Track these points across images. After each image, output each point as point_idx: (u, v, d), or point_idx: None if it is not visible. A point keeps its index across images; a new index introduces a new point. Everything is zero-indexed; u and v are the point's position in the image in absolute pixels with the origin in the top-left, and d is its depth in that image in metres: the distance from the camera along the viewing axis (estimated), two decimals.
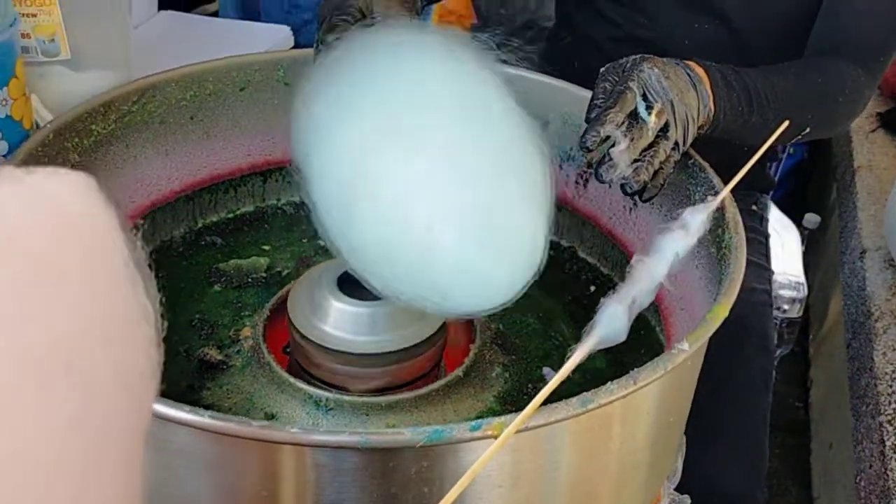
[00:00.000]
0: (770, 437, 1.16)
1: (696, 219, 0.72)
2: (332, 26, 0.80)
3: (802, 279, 1.49)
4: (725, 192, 0.79)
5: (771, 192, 1.34)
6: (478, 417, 0.77)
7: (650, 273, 0.65)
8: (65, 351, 0.33)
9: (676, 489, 0.95)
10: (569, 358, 0.59)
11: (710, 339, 1.07)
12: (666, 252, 0.68)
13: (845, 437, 1.37)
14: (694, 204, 0.78)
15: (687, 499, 0.88)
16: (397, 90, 0.69)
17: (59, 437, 0.32)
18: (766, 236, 1.27)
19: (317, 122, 0.72)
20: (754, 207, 1.26)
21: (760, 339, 1.16)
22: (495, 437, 0.54)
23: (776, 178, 2.12)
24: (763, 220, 1.28)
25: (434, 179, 0.66)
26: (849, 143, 1.74)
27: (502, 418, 0.55)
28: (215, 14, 1.74)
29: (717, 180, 0.83)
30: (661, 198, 0.90)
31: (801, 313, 1.52)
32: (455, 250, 0.66)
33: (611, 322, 0.62)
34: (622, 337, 0.63)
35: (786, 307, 1.49)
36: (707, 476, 1.06)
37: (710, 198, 0.77)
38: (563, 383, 0.85)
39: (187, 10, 1.45)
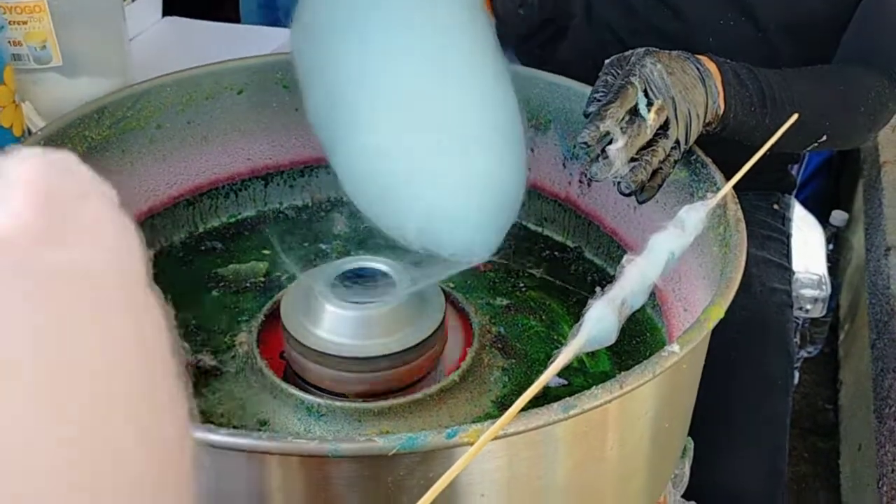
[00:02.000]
0: (799, 440, 1.14)
1: (693, 217, 0.69)
2: None
3: (826, 278, 1.45)
4: (726, 189, 0.76)
5: (794, 192, 1.31)
6: (474, 422, 0.75)
7: (641, 273, 0.63)
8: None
9: (687, 496, 0.92)
10: (552, 361, 0.57)
11: (728, 339, 1.05)
12: (659, 252, 0.66)
13: (873, 440, 1.33)
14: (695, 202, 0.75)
15: None
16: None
17: None
18: (788, 235, 1.23)
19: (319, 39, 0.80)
20: (776, 206, 1.22)
21: (780, 340, 1.12)
22: (471, 445, 0.52)
23: (803, 176, 2.07)
24: (785, 219, 1.24)
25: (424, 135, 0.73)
26: (875, 137, 1.69)
27: (479, 425, 0.53)
28: None
29: (719, 177, 0.81)
30: (665, 196, 0.88)
31: (823, 313, 1.48)
32: (432, 194, 0.73)
33: (598, 324, 0.59)
34: (612, 339, 0.61)
35: (808, 307, 1.45)
36: (723, 482, 1.03)
37: (710, 195, 0.75)
38: (566, 388, 0.84)
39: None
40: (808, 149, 0.95)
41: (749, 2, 1.05)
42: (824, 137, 0.92)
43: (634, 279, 0.63)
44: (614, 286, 0.63)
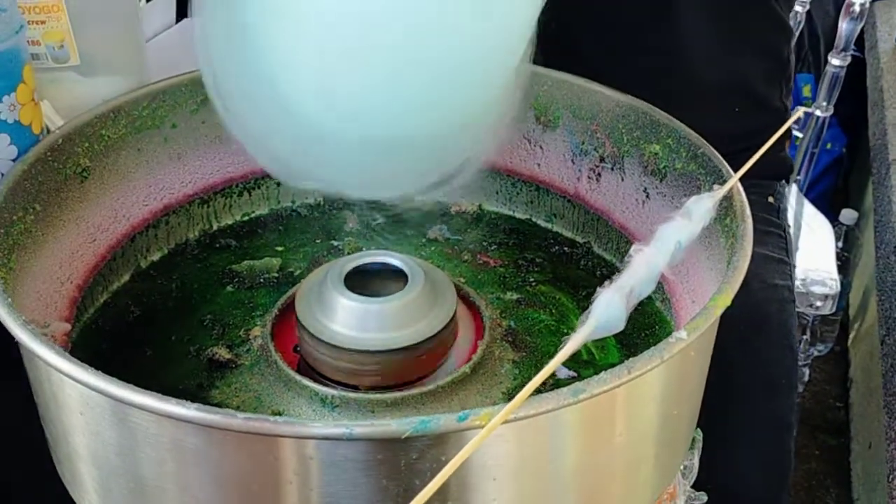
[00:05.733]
0: (810, 438, 1.14)
1: (700, 207, 0.70)
2: None
3: (835, 275, 1.46)
4: (733, 181, 0.77)
5: (795, 180, 1.31)
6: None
7: (648, 262, 0.64)
8: None
9: (697, 487, 0.93)
10: (562, 347, 0.58)
11: (731, 338, 1.05)
12: (667, 241, 0.67)
13: (883, 437, 1.33)
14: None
15: (703, 496, 0.86)
16: None
17: None
18: (785, 229, 1.23)
19: None
20: (770, 200, 1.22)
21: (783, 336, 1.13)
22: (482, 428, 0.53)
23: (813, 174, 2.08)
24: (780, 211, 1.24)
25: None
26: (884, 135, 1.69)
27: (490, 409, 0.54)
28: None
29: (725, 169, 0.82)
30: (673, 190, 0.89)
31: (833, 310, 1.48)
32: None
33: (607, 310, 0.60)
34: (620, 326, 0.62)
35: (818, 304, 1.45)
36: (727, 477, 1.04)
37: (716, 187, 0.76)
38: (576, 380, 0.85)
39: None
40: None
41: None
42: None
43: (642, 268, 0.64)
44: (622, 274, 0.64)
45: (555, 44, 1.06)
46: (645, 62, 1.11)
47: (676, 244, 0.67)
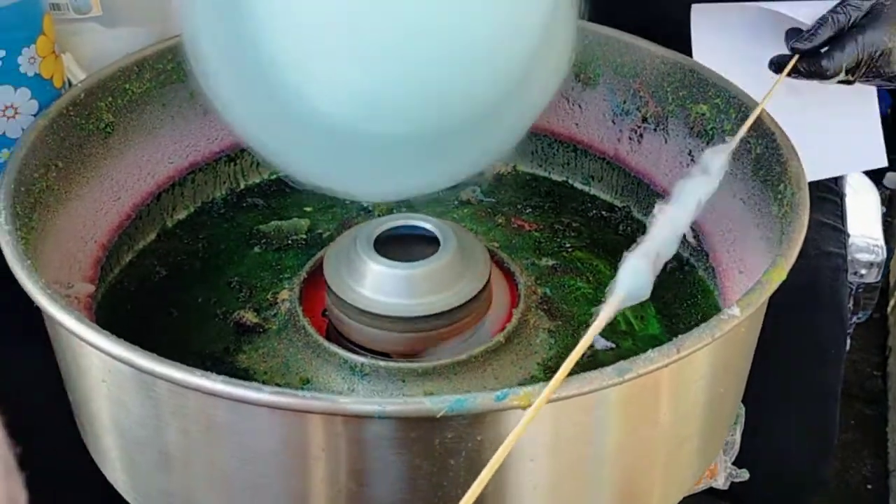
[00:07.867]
0: (846, 407, 1.10)
1: (717, 161, 0.67)
2: None
3: (881, 242, 1.40)
4: (751, 120, 0.73)
5: None
6: (519, 385, 0.74)
7: (671, 223, 0.61)
8: None
9: (737, 462, 0.90)
10: (593, 321, 0.55)
11: (780, 305, 1.02)
12: (688, 200, 0.64)
13: None
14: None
15: (745, 473, 0.83)
16: None
17: None
18: (842, 196, 1.19)
19: None
20: None
21: (834, 306, 1.09)
22: (522, 408, 0.50)
23: None
24: (839, 178, 1.20)
25: None
26: None
27: (530, 388, 0.51)
28: None
29: (780, 132, 0.77)
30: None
31: (878, 278, 1.43)
32: None
33: (635, 278, 0.57)
34: (647, 293, 0.59)
35: (863, 271, 1.40)
36: (771, 450, 1.01)
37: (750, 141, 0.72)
38: (613, 351, 0.82)
39: None
40: None
41: None
42: None
43: (666, 229, 0.61)
44: (646, 238, 0.61)
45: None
46: None
47: (697, 202, 0.64)
